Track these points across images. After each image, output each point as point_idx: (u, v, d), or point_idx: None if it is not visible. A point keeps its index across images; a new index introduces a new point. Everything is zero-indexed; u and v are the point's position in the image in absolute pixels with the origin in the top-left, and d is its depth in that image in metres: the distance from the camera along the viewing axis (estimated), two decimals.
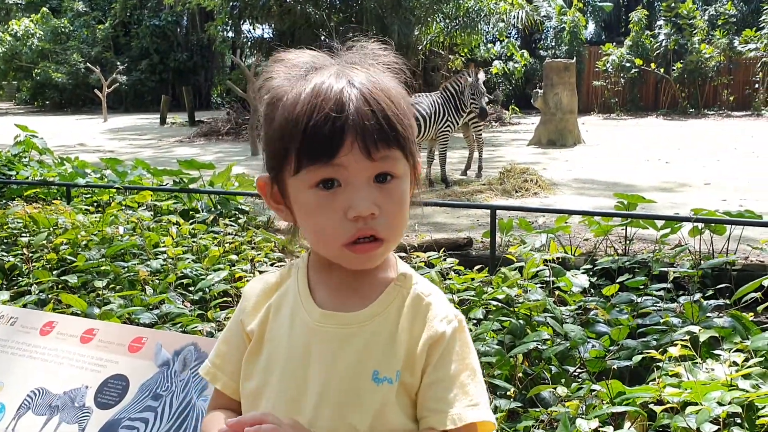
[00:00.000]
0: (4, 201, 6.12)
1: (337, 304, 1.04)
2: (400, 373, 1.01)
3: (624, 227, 5.35)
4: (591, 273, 4.13)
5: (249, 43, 22.34)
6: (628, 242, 5.55)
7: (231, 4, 20.36)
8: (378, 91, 0.96)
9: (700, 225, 4.67)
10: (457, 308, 1.10)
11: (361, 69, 1.01)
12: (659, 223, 5.12)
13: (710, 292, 3.34)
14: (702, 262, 4.58)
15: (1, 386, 2.10)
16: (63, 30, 33.88)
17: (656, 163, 12.02)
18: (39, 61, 33.23)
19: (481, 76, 9.97)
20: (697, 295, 2.84)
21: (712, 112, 23.53)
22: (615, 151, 13.97)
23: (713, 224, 4.73)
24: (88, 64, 29.78)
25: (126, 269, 3.12)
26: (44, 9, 34.28)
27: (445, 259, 3.26)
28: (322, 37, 19.16)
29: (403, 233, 1.04)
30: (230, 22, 21.30)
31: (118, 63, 31.23)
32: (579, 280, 3.43)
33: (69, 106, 34.55)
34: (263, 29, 22.84)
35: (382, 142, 0.94)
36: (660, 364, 2.16)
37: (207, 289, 2.99)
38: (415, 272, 1.10)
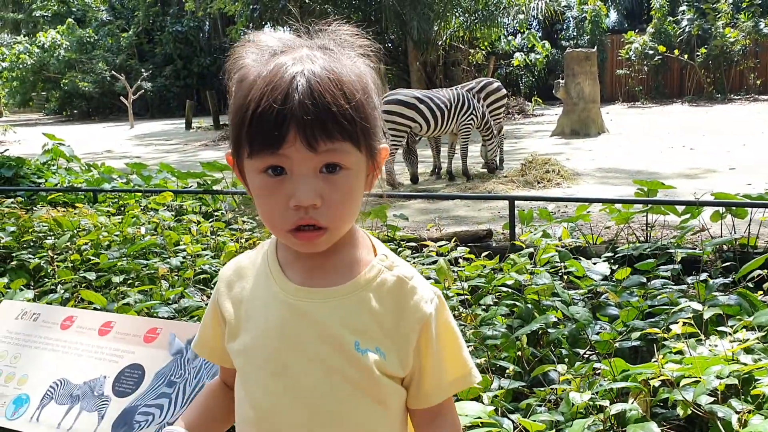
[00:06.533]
0: (33, 208, 6.26)
1: (311, 281, 1.06)
2: (380, 349, 1.03)
3: (644, 214, 5.33)
4: (612, 261, 4.12)
5: None
6: (649, 229, 5.54)
7: (251, 7, 20.57)
8: (328, 83, 0.95)
9: (721, 209, 4.63)
10: (435, 286, 1.12)
11: (327, 54, 1.00)
12: (680, 209, 5.08)
13: (720, 273, 3.33)
14: (724, 247, 4.57)
15: (25, 378, 2.20)
16: (88, 40, 34.49)
17: (681, 150, 11.88)
18: (66, 71, 33.85)
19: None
20: (704, 275, 2.83)
21: (739, 97, 23.16)
22: (639, 139, 13.83)
23: (735, 208, 4.67)
24: (113, 72, 30.30)
25: (146, 267, 3.21)
26: (69, 20, 34.94)
27: (455, 248, 3.29)
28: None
29: (351, 221, 1.05)
30: (251, 25, 21.50)
31: (143, 70, 31.69)
32: (599, 267, 3.40)
33: (96, 115, 35.19)
34: (284, 31, 22.93)
35: (325, 136, 0.94)
36: (665, 343, 2.18)
37: None
38: (395, 254, 1.12)
